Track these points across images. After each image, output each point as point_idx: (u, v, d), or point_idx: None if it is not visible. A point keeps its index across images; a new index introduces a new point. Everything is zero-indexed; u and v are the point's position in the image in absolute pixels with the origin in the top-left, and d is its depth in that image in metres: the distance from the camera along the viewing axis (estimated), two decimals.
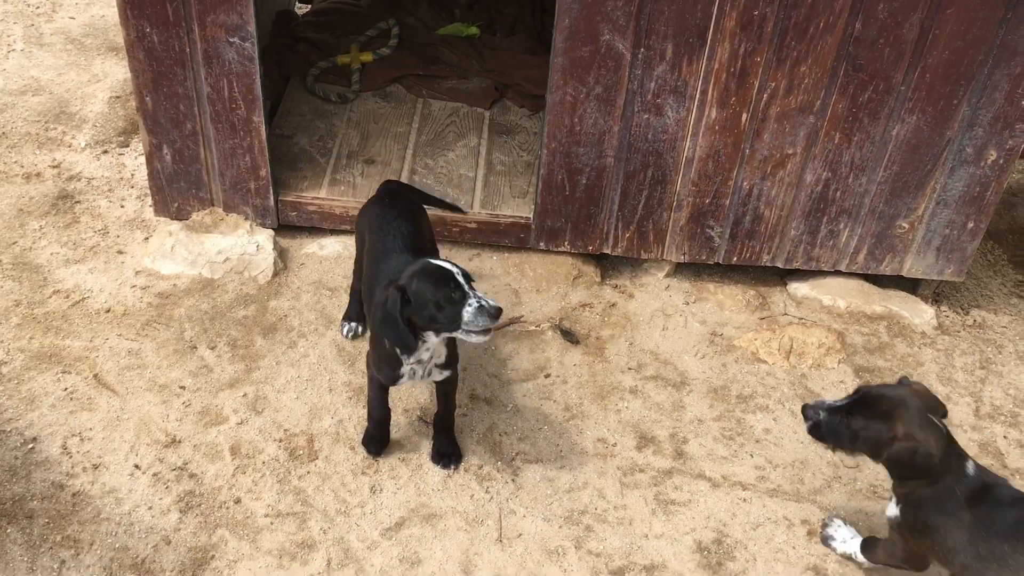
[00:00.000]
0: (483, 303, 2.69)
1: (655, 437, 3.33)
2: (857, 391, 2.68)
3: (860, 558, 2.95)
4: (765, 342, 3.68)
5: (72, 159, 4.17)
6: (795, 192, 3.65)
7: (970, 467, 2.59)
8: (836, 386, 3.58)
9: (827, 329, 3.76)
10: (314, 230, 3.94)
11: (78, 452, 3.03)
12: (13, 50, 4.76)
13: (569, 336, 3.67)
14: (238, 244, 3.72)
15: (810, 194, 3.65)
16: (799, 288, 3.96)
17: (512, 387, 3.44)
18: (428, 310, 2.69)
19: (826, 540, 3.04)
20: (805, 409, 2.73)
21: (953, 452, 2.59)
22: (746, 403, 3.49)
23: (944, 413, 2.67)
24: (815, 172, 3.59)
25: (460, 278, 2.71)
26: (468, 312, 2.68)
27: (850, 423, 2.63)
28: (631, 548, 2.97)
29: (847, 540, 3.00)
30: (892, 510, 2.74)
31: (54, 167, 4.10)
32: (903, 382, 2.71)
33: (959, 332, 3.90)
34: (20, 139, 4.22)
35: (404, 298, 2.69)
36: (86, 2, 5.30)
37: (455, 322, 2.70)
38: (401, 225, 3.13)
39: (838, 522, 3.06)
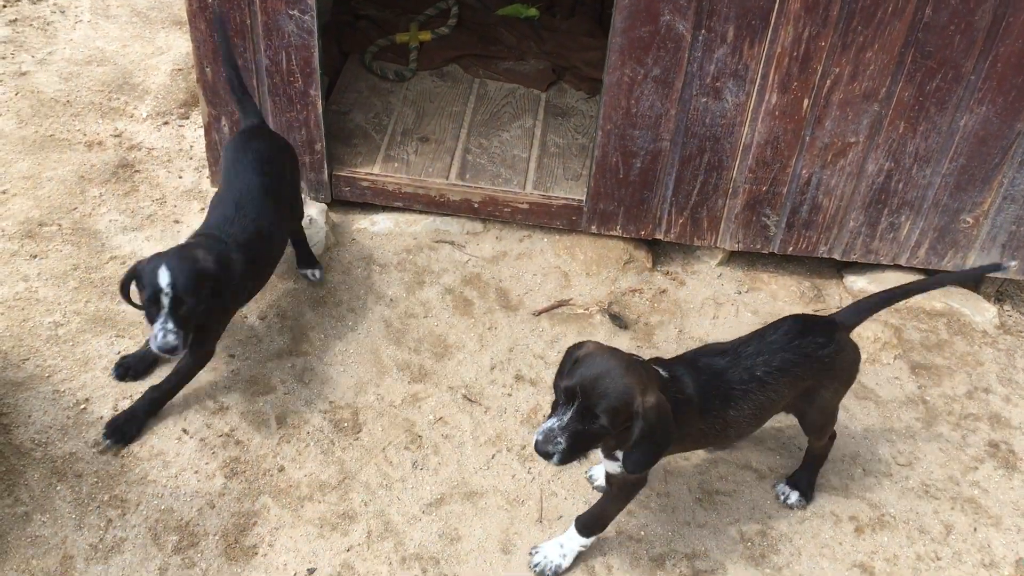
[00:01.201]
0: (160, 334, 2.75)
1: None
2: (563, 393, 2.39)
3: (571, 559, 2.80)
4: None
5: (133, 129, 4.23)
6: (856, 182, 3.56)
7: (663, 372, 2.53)
8: (891, 382, 3.49)
9: (884, 324, 3.67)
10: (367, 206, 3.95)
11: None
12: (80, 21, 4.84)
13: (617, 320, 3.63)
14: None
15: (871, 185, 3.56)
16: (856, 281, 3.86)
17: (555, 369, 3.41)
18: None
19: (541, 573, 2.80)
20: (540, 448, 2.37)
21: (676, 377, 2.54)
22: None
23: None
24: (877, 162, 3.49)
25: (164, 298, 2.74)
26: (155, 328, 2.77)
27: (591, 423, 2.36)
28: (673, 536, 2.94)
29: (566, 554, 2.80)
30: (613, 467, 2.59)
31: (116, 136, 4.17)
32: (576, 351, 2.47)
33: (1022, 332, 3.78)
34: (84, 108, 4.29)
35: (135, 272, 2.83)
36: None
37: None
38: (246, 176, 3.14)
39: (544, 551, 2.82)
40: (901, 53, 3.21)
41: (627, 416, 2.35)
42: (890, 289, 2.92)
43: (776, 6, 3.15)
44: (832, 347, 2.71)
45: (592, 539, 2.79)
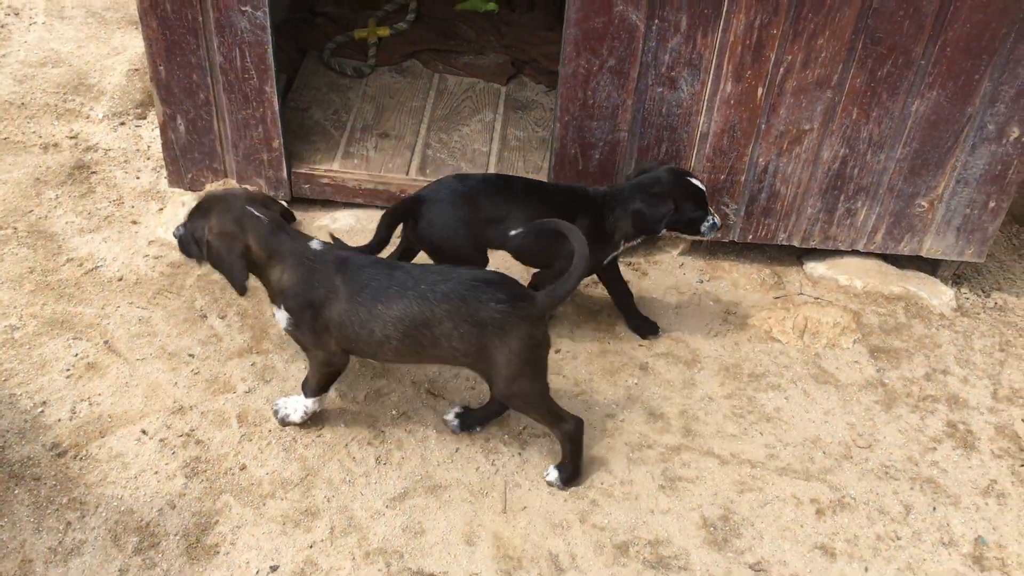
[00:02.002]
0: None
1: (664, 414, 3.30)
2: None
3: (300, 415, 3.09)
4: (779, 321, 3.63)
5: (89, 130, 4.19)
6: (812, 169, 3.59)
7: (315, 244, 2.84)
8: (851, 366, 3.53)
9: (843, 309, 3.71)
10: (327, 203, 3.93)
11: (86, 417, 3.05)
12: (35, 23, 4.79)
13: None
14: None
15: (827, 171, 3.59)
16: (815, 267, 3.90)
17: None
18: None
19: (283, 421, 3.11)
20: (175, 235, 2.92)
21: (286, 238, 2.81)
22: (758, 381, 3.44)
23: (279, 210, 2.96)
24: (832, 148, 3.53)
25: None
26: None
27: (193, 230, 2.83)
28: (636, 523, 2.95)
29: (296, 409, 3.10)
30: (282, 320, 2.89)
31: (71, 138, 4.12)
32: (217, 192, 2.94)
33: (979, 314, 3.83)
34: (39, 110, 4.25)
35: None
36: None
37: None
38: None
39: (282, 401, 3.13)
40: (852, 40, 3.24)
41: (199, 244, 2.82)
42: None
43: None
44: (507, 308, 2.73)
45: (314, 399, 3.06)
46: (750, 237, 3.82)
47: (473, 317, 2.73)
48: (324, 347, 2.90)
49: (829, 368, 3.52)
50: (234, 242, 2.77)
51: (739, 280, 3.88)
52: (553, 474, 3.03)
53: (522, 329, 2.76)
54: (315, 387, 3.03)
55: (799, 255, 3.99)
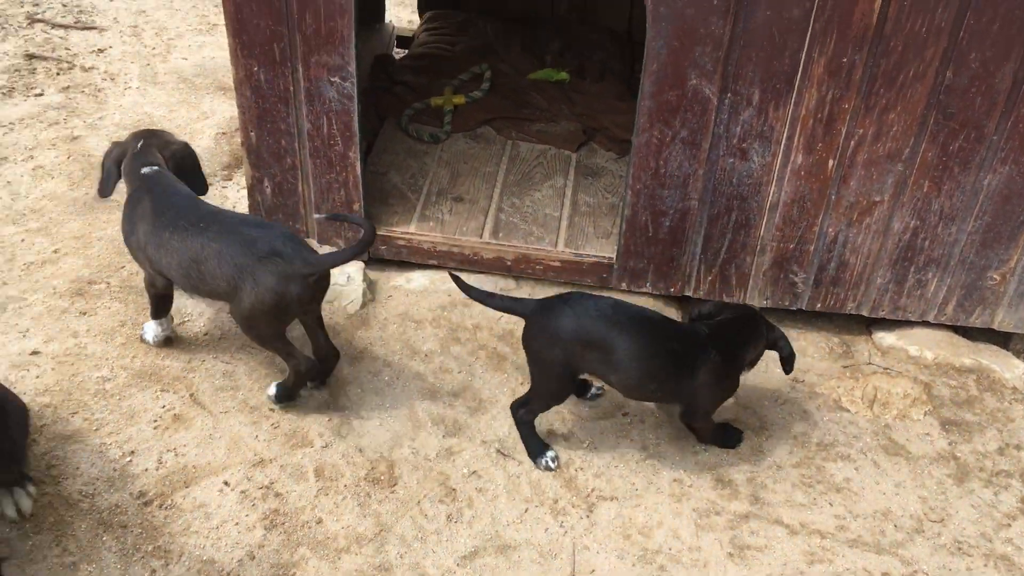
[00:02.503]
0: None
1: (732, 480, 3.31)
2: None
3: (150, 336, 3.58)
4: (848, 390, 3.64)
5: None
6: (882, 240, 3.62)
7: (146, 170, 3.33)
8: (922, 438, 3.51)
9: (913, 380, 3.70)
10: (402, 264, 4.06)
11: (172, 467, 3.17)
12: (129, 87, 5.06)
13: None
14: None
15: (897, 242, 3.62)
16: (885, 337, 3.90)
17: (589, 424, 3.47)
18: None
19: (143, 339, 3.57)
20: None
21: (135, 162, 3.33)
22: (827, 451, 3.44)
23: (179, 145, 3.51)
24: (903, 220, 3.56)
25: None
26: None
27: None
28: None
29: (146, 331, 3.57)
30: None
31: None
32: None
33: None
34: None
35: None
36: (198, 44, 5.61)
37: None
38: None
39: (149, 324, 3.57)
40: (923, 115, 3.30)
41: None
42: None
43: (800, 70, 3.26)
44: (263, 259, 3.06)
45: (154, 322, 3.56)
46: (818, 306, 3.85)
47: (233, 260, 3.06)
48: (142, 265, 3.39)
49: (900, 440, 3.51)
50: (107, 157, 3.44)
51: (807, 348, 3.89)
52: (273, 389, 3.39)
53: (264, 277, 3.07)
54: (150, 309, 3.53)
55: (868, 324, 4.00)
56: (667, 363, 3.11)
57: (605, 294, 3.97)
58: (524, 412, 3.30)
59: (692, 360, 3.12)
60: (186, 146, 3.55)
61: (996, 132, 3.29)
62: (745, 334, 3.24)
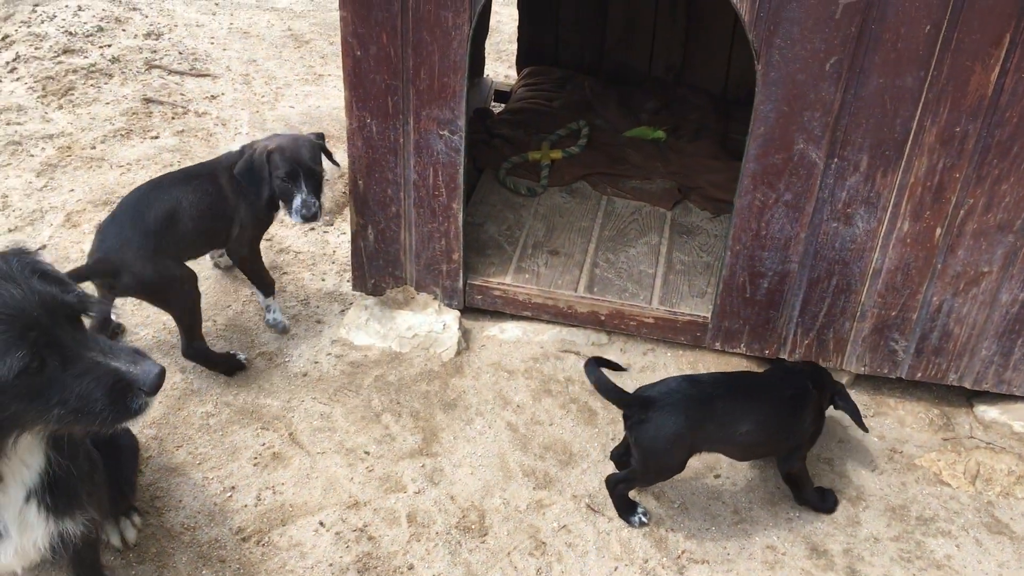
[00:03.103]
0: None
1: (828, 551, 3.24)
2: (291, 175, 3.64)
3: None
4: (949, 464, 3.54)
5: (283, 234, 4.54)
6: (988, 311, 3.55)
7: None
8: None
9: (1018, 456, 3.58)
10: (496, 314, 4.11)
11: (270, 504, 3.24)
12: (239, 133, 5.26)
13: None
14: (427, 322, 3.94)
15: (1005, 314, 3.54)
16: (987, 411, 3.80)
17: (680, 484, 3.44)
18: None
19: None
20: (311, 214, 3.67)
21: None
22: (927, 526, 3.35)
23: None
24: (1011, 292, 3.48)
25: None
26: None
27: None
28: None
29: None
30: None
31: (267, 240, 4.48)
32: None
33: None
34: None
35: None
36: (304, 93, 5.82)
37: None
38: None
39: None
40: None
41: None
42: None
43: (911, 138, 3.24)
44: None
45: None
46: (919, 375, 3.77)
47: None
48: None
49: (1003, 518, 3.39)
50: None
51: (905, 418, 3.81)
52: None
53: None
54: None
55: (969, 396, 3.90)
56: (785, 411, 3.23)
57: (698, 353, 3.97)
58: (623, 487, 3.28)
59: (802, 400, 3.25)
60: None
61: None
62: (821, 370, 3.45)
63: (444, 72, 3.47)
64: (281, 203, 3.70)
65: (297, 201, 3.61)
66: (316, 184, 3.64)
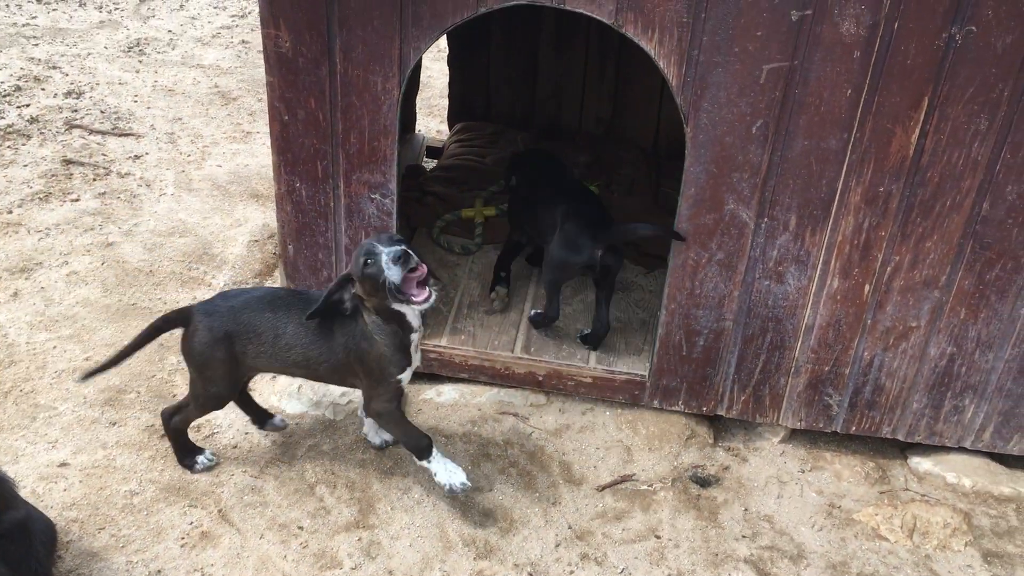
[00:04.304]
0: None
1: None
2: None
3: None
4: (887, 518, 3.57)
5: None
6: (918, 365, 3.60)
7: None
8: (963, 570, 3.42)
9: (952, 509, 3.62)
10: (433, 376, 4.04)
11: None
12: (164, 194, 5.15)
13: (702, 482, 3.68)
14: None
15: (934, 368, 3.60)
16: (921, 463, 3.84)
17: (623, 548, 3.40)
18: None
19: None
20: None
21: None
22: None
23: None
24: (939, 346, 3.55)
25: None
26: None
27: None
28: None
29: None
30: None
31: None
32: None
33: None
34: (165, 277, 4.51)
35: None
36: (232, 151, 5.73)
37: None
38: None
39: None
40: (960, 244, 3.32)
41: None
42: None
43: (837, 198, 3.29)
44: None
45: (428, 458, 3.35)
46: (853, 429, 3.81)
47: None
48: None
49: (941, 572, 3.42)
50: None
51: (842, 472, 3.83)
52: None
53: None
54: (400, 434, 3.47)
55: (903, 448, 3.95)
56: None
57: (636, 411, 3.95)
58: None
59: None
60: None
61: None
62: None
63: (374, 136, 3.43)
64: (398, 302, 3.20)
65: (383, 257, 3.09)
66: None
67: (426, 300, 3.04)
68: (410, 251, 3.00)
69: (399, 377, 3.27)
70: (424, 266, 3.02)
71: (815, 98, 3.12)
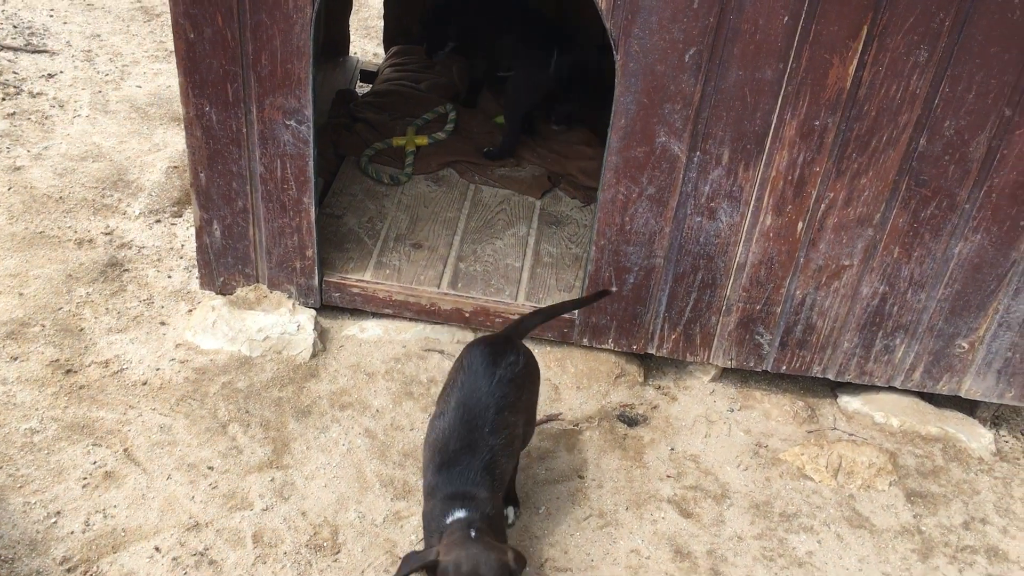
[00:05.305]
0: None
1: (691, 552, 3.18)
2: None
3: None
4: (812, 458, 3.53)
5: (125, 227, 4.21)
6: (850, 304, 3.53)
7: None
8: (886, 510, 3.41)
9: (878, 448, 3.60)
10: (356, 312, 3.90)
11: (100, 530, 2.97)
12: (79, 116, 4.87)
13: (628, 420, 3.61)
14: (279, 323, 3.70)
15: (866, 307, 3.53)
16: (850, 402, 3.81)
17: (546, 488, 3.33)
18: None
19: None
20: None
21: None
22: (789, 522, 3.33)
23: None
24: (872, 285, 3.48)
25: None
26: None
27: None
28: None
29: None
30: None
31: (106, 234, 4.14)
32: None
33: (1019, 459, 3.71)
34: (76, 204, 4.28)
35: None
36: (154, 71, 5.43)
37: None
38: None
39: None
40: (895, 181, 3.22)
41: None
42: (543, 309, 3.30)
43: (771, 131, 3.17)
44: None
45: None
46: (784, 368, 3.75)
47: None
48: None
49: (864, 511, 3.40)
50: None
51: (771, 411, 3.79)
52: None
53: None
54: None
55: (833, 388, 3.91)
56: None
57: (565, 349, 3.85)
58: None
59: None
60: None
61: (968, 201, 3.22)
62: None
63: (287, 58, 3.22)
64: None
65: None
66: None
67: None
68: None
69: None
70: None
71: (750, 25, 2.97)
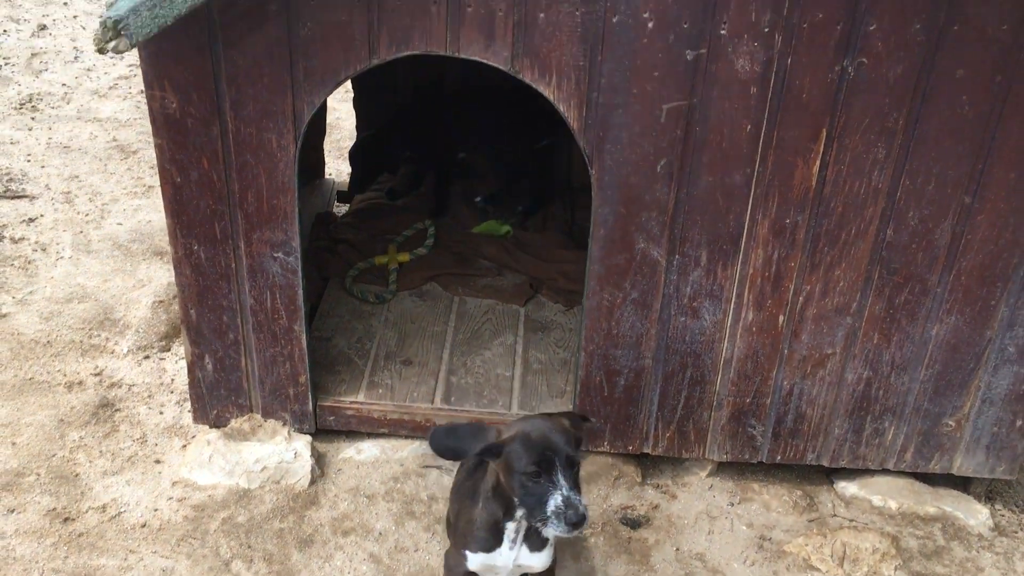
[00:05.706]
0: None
1: None
2: (539, 463, 2.47)
3: None
4: (817, 548, 3.55)
5: (114, 365, 4.22)
6: (836, 391, 3.61)
7: None
8: None
9: (880, 533, 3.63)
10: (352, 433, 3.92)
11: None
12: (62, 258, 4.92)
13: (633, 524, 3.61)
14: (276, 452, 3.70)
15: (852, 393, 3.61)
16: (847, 487, 3.85)
17: None
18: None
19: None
20: (583, 518, 2.45)
21: None
22: None
23: None
24: (856, 371, 3.56)
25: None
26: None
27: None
28: None
29: None
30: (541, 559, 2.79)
31: (96, 375, 4.15)
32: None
33: (1016, 533, 3.75)
34: (64, 347, 4.30)
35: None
36: (133, 207, 5.52)
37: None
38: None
39: None
40: (868, 270, 3.33)
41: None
42: None
43: (745, 231, 3.28)
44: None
45: None
46: (779, 458, 3.79)
47: None
48: None
49: None
50: None
51: (770, 502, 3.81)
52: None
53: None
54: None
55: (829, 474, 3.95)
56: None
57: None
58: None
59: None
60: None
61: (939, 285, 3.34)
62: None
63: (273, 194, 3.32)
64: (523, 509, 2.56)
65: (558, 499, 2.45)
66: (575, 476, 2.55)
67: (568, 531, 2.45)
68: (585, 512, 2.45)
69: (467, 554, 2.72)
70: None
71: (716, 135, 3.11)
